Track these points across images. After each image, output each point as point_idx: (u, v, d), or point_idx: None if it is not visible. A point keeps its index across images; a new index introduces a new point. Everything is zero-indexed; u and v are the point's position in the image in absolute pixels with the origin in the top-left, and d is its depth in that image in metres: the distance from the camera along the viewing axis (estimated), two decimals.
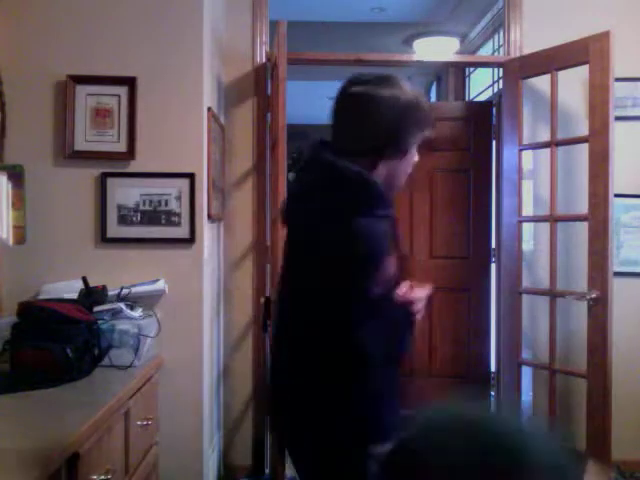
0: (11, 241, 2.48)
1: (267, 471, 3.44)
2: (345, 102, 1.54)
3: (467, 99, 5.73)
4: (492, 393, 4.27)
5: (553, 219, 3.22)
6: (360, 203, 1.48)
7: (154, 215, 2.68)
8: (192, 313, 2.73)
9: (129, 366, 2.25)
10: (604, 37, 2.96)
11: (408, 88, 1.53)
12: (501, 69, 3.69)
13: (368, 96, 1.49)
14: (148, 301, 2.59)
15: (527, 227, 3.50)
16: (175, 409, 2.64)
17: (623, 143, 3.20)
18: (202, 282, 2.75)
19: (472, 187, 4.35)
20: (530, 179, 3.52)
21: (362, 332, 1.46)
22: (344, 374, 1.52)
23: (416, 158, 1.60)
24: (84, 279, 2.43)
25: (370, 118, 1.49)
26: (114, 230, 2.66)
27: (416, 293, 1.57)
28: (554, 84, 3.19)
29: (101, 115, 2.66)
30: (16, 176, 2.52)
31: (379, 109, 1.48)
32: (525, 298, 3.43)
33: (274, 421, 1.81)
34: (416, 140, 1.55)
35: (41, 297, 2.49)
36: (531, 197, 3.52)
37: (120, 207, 2.66)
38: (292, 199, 1.72)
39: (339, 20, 5.48)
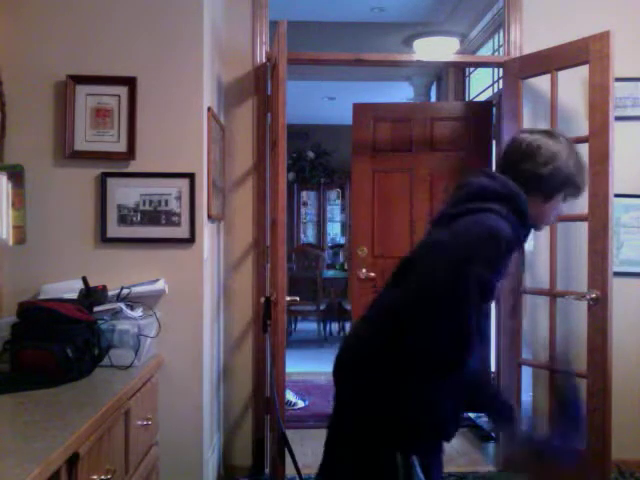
0: (11, 241, 2.48)
1: (267, 471, 3.44)
2: (514, 143, 1.77)
3: (467, 99, 5.73)
4: None
5: None
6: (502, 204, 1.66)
7: (154, 215, 2.68)
8: (192, 313, 2.73)
9: (129, 366, 2.24)
10: (604, 37, 2.96)
11: (573, 150, 1.73)
12: (501, 69, 3.69)
13: (536, 142, 1.72)
14: (148, 301, 2.59)
15: None
16: (175, 409, 2.64)
17: (623, 143, 3.20)
18: (202, 282, 2.75)
19: None
20: None
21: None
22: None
23: (561, 211, 1.79)
24: (84, 279, 2.43)
25: (530, 160, 1.71)
26: (114, 230, 2.66)
27: None
28: (554, 84, 3.19)
29: (101, 115, 2.66)
30: (16, 176, 2.52)
31: (541, 155, 1.70)
32: (525, 298, 3.43)
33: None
34: (562, 194, 1.74)
35: (41, 297, 2.49)
36: None
37: (120, 207, 2.66)
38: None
39: (339, 20, 5.48)
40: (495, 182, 1.68)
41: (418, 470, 1.64)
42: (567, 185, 1.73)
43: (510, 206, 1.63)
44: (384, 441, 1.66)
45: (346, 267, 8.16)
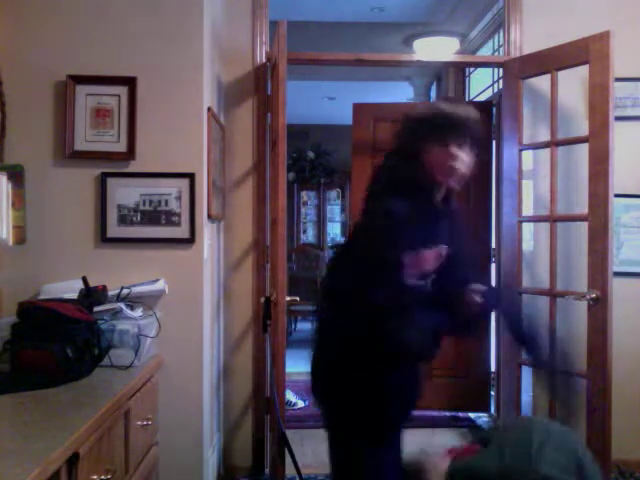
0: (11, 241, 2.48)
1: (267, 471, 3.44)
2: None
3: (467, 99, 5.73)
4: (492, 393, 4.28)
5: (553, 219, 3.22)
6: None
7: (154, 215, 2.68)
8: (192, 313, 2.73)
9: (129, 366, 2.24)
10: (604, 37, 2.96)
11: (438, 104, 1.98)
12: (501, 69, 3.69)
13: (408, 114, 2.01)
14: (148, 301, 2.59)
15: (527, 227, 3.50)
16: (175, 409, 2.64)
17: (623, 143, 3.20)
18: (202, 282, 2.75)
19: (472, 187, 4.35)
20: (530, 179, 3.52)
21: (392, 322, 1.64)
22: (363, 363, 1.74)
23: (459, 159, 1.87)
24: (84, 279, 2.43)
25: (404, 126, 2.04)
26: (114, 230, 2.66)
27: (425, 255, 1.73)
28: (554, 84, 3.19)
29: (101, 115, 2.67)
30: (16, 176, 2.52)
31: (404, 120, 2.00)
32: (525, 298, 3.43)
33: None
34: (427, 143, 1.88)
35: (41, 297, 2.49)
36: (531, 197, 3.52)
37: (120, 207, 2.66)
38: None
39: (339, 20, 5.48)
40: (384, 172, 1.89)
41: (385, 464, 1.75)
42: (435, 131, 1.88)
43: (397, 183, 1.80)
44: (350, 438, 1.78)
45: None
